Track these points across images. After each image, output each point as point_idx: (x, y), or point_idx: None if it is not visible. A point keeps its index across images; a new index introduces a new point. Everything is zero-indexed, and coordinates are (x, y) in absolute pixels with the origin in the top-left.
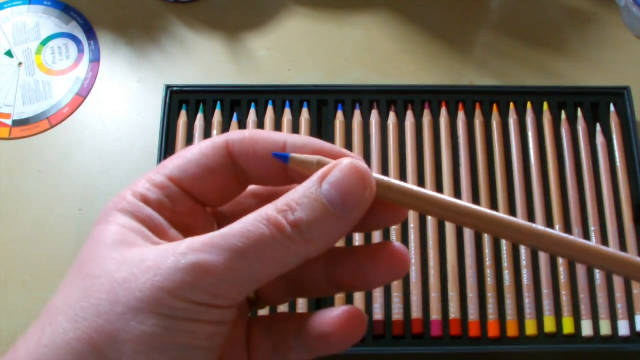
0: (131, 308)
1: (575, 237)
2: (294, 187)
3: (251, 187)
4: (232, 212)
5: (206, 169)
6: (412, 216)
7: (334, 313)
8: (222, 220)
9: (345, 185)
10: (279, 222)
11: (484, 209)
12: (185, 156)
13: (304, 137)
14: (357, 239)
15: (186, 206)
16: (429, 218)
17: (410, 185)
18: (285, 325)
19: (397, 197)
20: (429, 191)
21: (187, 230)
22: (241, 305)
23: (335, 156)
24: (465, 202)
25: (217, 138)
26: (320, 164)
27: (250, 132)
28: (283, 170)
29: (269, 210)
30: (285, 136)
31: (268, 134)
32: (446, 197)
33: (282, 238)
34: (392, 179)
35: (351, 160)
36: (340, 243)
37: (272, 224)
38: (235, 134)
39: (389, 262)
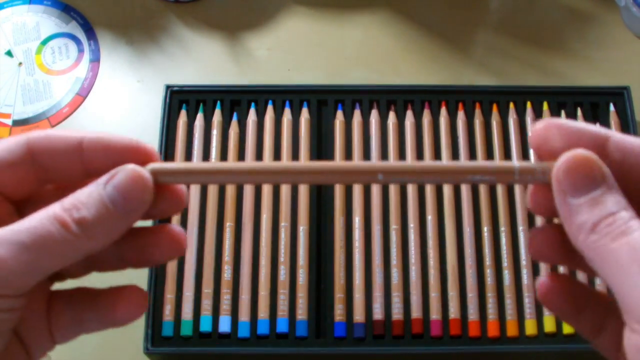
0: None
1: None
2: (90, 181)
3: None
4: (34, 201)
5: (4, 162)
6: (411, 216)
7: (119, 291)
8: (24, 208)
9: (126, 189)
10: (64, 220)
11: (250, 164)
12: None
13: (98, 133)
14: None
15: None
16: (428, 217)
17: (187, 163)
18: (81, 299)
19: (177, 179)
20: (203, 163)
21: None
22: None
23: (125, 148)
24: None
25: (19, 136)
26: None
27: (50, 130)
28: (80, 166)
29: (56, 208)
30: (82, 133)
31: (64, 132)
32: (218, 163)
33: (67, 234)
34: (170, 163)
35: (132, 166)
36: None
37: (58, 221)
38: (36, 132)
39: (168, 242)
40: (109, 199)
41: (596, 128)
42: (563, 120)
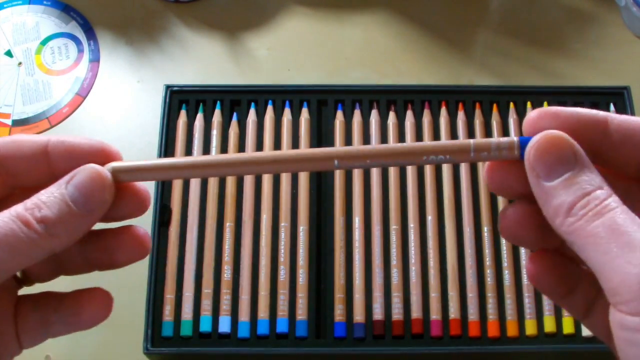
0: None
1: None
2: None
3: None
4: (2, 206)
5: None
6: (411, 216)
7: (84, 294)
8: None
9: (86, 188)
10: (27, 219)
11: (203, 157)
12: None
13: (63, 136)
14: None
15: None
16: (428, 218)
17: (146, 161)
18: (47, 302)
19: (137, 176)
20: (161, 160)
21: None
22: (8, 284)
23: (90, 150)
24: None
25: None
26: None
27: (16, 135)
28: (47, 169)
29: (18, 208)
30: (48, 136)
31: (32, 136)
32: (182, 158)
33: (30, 233)
34: (130, 162)
35: (92, 165)
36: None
37: (21, 220)
38: (1, 138)
39: (132, 244)
40: (70, 198)
41: (592, 112)
42: (557, 108)
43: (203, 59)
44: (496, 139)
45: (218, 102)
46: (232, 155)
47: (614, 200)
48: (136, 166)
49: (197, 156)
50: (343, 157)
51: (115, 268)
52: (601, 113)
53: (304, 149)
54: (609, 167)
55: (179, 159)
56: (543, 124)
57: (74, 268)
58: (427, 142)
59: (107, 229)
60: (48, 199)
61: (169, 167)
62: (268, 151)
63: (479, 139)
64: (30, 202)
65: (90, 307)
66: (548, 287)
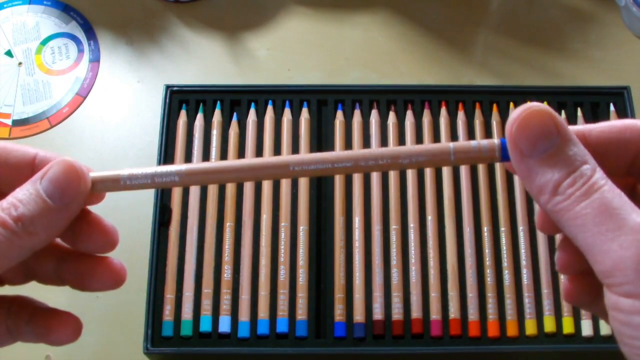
0: None
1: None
2: None
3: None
4: None
5: None
6: (411, 216)
7: (56, 315)
8: None
9: (61, 181)
10: (3, 220)
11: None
12: None
13: (50, 152)
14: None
15: None
16: (428, 218)
17: (121, 170)
18: (20, 310)
19: (113, 185)
20: (140, 169)
21: None
22: None
23: None
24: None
25: None
26: None
27: (5, 143)
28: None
29: None
30: (36, 150)
31: (20, 146)
32: (159, 167)
33: (7, 233)
34: (108, 172)
35: (65, 158)
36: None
37: None
38: None
39: (107, 275)
40: (45, 192)
41: (572, 128)
42: None
43: (203, 59)
44: (476, 141)
45: (218, 102)
46: (206, 164)
47: (600, 177)
48: (113, 176)
49: (166, 165)
50: (327, 162)
51: (88, 291)
52: (578, 128)
53: (262, 158)
54: None
55: (150, 168)
56: None
57: (47, 279)
58: (407, 146)
59: (86, 255)
60: (24, 196)
61: (144, 176)
62: (238, 160)
63: (459, 142)
64: (6, 202)
65: (59, 331)
66: (584, 304)
